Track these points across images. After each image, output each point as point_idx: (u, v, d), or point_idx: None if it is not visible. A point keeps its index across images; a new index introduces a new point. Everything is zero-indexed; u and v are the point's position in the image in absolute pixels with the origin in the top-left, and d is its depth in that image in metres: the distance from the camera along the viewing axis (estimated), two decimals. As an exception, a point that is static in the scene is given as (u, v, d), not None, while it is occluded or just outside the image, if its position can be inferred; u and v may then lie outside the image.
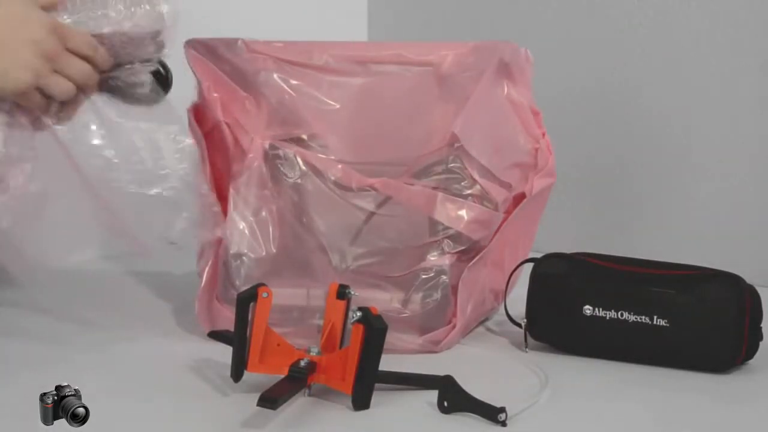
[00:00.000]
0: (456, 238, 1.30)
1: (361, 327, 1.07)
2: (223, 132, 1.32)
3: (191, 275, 1.38)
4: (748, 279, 1.24)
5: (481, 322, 1.42)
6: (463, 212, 1.30)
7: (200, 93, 1.35)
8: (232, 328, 1.12)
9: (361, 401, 1.09)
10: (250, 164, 1.31)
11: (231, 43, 1.33)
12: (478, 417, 1.06)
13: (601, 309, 1.25)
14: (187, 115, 1.36)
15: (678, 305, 1.22)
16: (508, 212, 1.36)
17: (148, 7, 1.17)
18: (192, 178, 1.38)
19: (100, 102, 1.24)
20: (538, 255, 1.32)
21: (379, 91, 1.32)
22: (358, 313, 1.08)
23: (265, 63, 1.32)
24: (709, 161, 1.73)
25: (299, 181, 1.31)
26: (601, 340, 1.25)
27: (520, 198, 1.38)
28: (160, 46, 1.20)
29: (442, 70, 1.31)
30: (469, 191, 1.31)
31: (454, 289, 1.30)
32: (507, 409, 1.05)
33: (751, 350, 1.23)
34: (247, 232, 1.31)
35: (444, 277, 1.29)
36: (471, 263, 1.31)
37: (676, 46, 1.75)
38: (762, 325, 1.24)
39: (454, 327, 1.30)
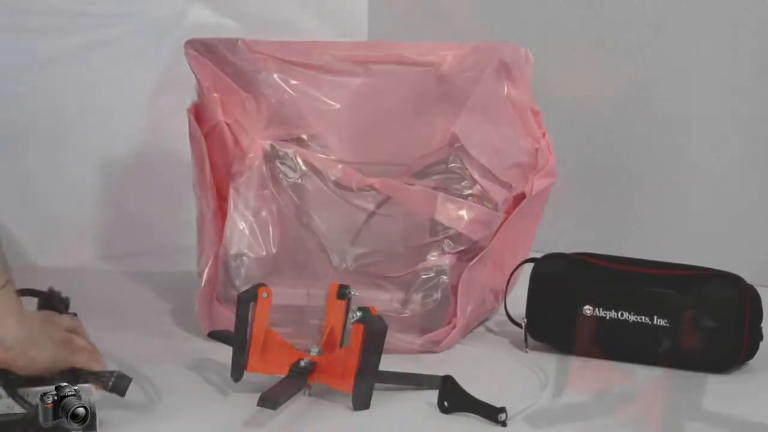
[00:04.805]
0: (456, 238, 1.30)
1: (361, 327, 1.07)
2: (223, 132, 1.32)
3: (191, 275, 1.38)
4: (748, 279, 1.24)
5: (481, 322, 1.42)
6: (463, 212, 1.30)
7: (200, 93, 1.35)
8: (232, 328, 1.12)
9: (361, 401, 1.09)
10: (250, 164, 1.31)
11: (231, 43, 1.33)
12: (478, 417, 1.06)
13: (601, 309, 1.24)
14: (187, 115, 1.36)
15: (678, 305, 1.21)
16: (508, 212, 1.36)
17: None
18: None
19: None
20: (538, 255, 1.32)
21: (379, 91, 1.32)
22: (358, 313, 1.08)
23: (265, 63, 1.32)
24: (708, 161, 1.72)
25: (299, 181, 1.31)
26: (601, 340, 1.25)
27: (520, 198, 1.37)
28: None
29: (442, 70, 1.31)
30: (469, 191, 1.31)
31: (454, 289, 1.30)
32: (507, 409, 1.05)
33: (751, 350, 1.23)
34: (247, 232, 1.31)
35: (444, 277, 1.29)
36: (471, 263, 1.31)
37: (676, 46, 1.75)
38: (762, 325, 1.24)
39: (454, 327, 1.30)
